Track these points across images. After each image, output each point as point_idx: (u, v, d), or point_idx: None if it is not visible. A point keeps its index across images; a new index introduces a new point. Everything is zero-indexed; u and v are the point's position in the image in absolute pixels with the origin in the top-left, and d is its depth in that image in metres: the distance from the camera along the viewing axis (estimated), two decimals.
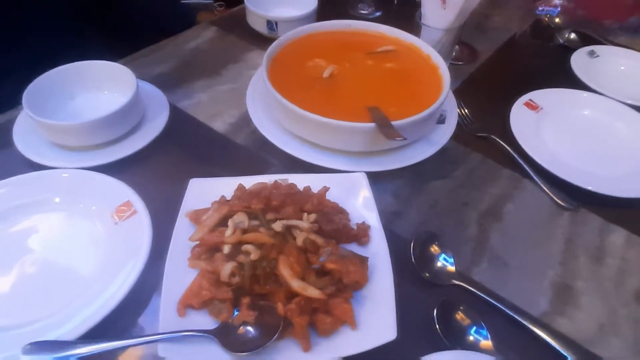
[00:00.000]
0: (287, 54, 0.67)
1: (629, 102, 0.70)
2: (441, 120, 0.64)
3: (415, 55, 0.69)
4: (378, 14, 0.94)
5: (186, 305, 0.43)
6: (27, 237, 0.49)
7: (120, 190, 0.52)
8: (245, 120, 0.65)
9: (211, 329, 0.41)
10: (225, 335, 0.41)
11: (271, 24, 0.80)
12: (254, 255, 0.43)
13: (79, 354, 0.38)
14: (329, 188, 0.51)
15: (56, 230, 0.49)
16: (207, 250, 0.46)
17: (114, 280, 0.44)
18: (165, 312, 0.42)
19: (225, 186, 0.52)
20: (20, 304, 0.43)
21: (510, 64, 0.84)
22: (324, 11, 0.82)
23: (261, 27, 0.81)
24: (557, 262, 0.52)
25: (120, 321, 0.42)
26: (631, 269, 0.52)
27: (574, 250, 0.53)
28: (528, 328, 0.45)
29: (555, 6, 0.81)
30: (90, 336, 0.40)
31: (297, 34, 0.69)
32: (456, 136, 0.64)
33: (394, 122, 0.54)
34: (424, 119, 0.57)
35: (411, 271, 0.49)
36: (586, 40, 0.87)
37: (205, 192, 0.52)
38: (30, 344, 0.39)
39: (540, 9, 0.82)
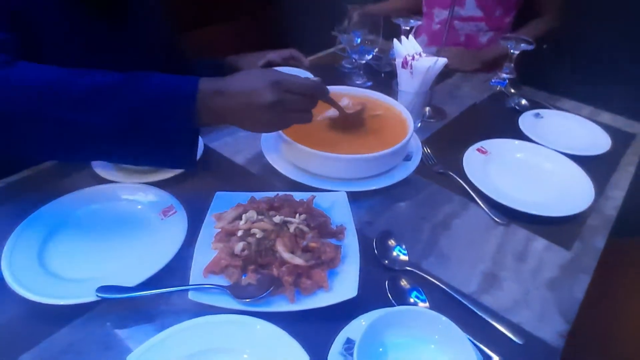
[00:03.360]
0: None
1: (559, 149, 0.89)
2: (408, 158, 0.83)
3: (391, 112, 0.90)
4: (369, 84, 1.18)
5: (209, 271, 0.60)
6: (103, 224, 0.69)
7: (166, 198, 0.72)
8: (259, 157, 0.85)
9: (226, 285, 0.58)
10: (235, 290, 0.58)
11: None
12: (259, 235, 0.61)
13: (136, 295, 0.56)
14: (315, 196, 0.70)
15: (123, 221, 0.69)
16: (225, 235, 0.64)
17: (159, 254, 0.62)
18: (194, 273, 0.59)
19: (241, 198, 0.71)
20: (96, 265, 0.61)
21: (471, 122, 1.05)
22: (326, 83, 1.05)
23: None
24: (489, 259, 0.68)
25: (164, 280, 0.60)
26: (546, 266, 0.68)
27: (503, 251, 0.69)
28: (459, 300, 0.60)
29: (504, 79, 1.03)
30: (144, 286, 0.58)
31: None
32: (420, 172, 0.83)
33: (370, 155, 0.74)
34: (392, 153, 0.76)
35: (375, 260, 0.65)
36: (535, 105, 1.08)
37: (227, 201, 0.71)
38: (102, 286, 0.56)
39: (493, 80, 1.04)
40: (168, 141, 0.60)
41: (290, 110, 0.65)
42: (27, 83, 0.55)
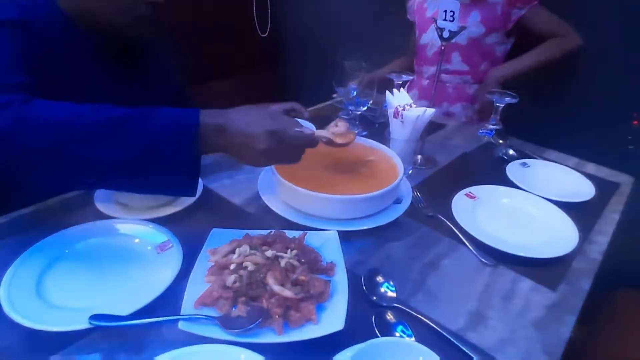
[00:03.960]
0: None
1: (545, 196, 0.92)
2: (398, 201, 0.87)
3: (383, 157, 0.95)
4: (365, 133, 1.24)
5: (201, 303, 0.62)
6: (100, 257, 0.72)
7: (163, 234, 0.75)
8: (256, 198, 0.89)
9: (216, 316, 0.60)
10: (224, 321, 0.59)
11: None
12: (250, 267, 0.63)
13: (128, 323, 0.57)
14: (307, 233, 0.72)
15: (120, 254, 0.72)
16: (219, 269, 0.66)
17: (153, 285, 0.64)
18: (186, 304, 0.61)
19: (236, 234, 0.74)
20: (91, 295, 0.63)
21: (460, 169, 1.09)
22: None
23: None
24: (476, 298, 0.69)
25: (156, 311, 0.61)
26: (532, 306, 0.69)
27: (490, 291, 0.71)
28: (445, 336, 0.61)
29: (491, 130, 1.09)
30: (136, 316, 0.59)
31: None
32: (411, 215, 0.86)
33: (361, 195, 0.78)
34: (382, 195, 0.80)
35: (363, 296, 0.67)
36: (522, 155, 1.13)
37: (222, 237, 0.74)
38: (95, 315, 0.58)
39: (480, 131, 1.10)
40: (171, 170, 0.65)
41: (280, 157, 0.73)
42: (42, 118, 0.60)
